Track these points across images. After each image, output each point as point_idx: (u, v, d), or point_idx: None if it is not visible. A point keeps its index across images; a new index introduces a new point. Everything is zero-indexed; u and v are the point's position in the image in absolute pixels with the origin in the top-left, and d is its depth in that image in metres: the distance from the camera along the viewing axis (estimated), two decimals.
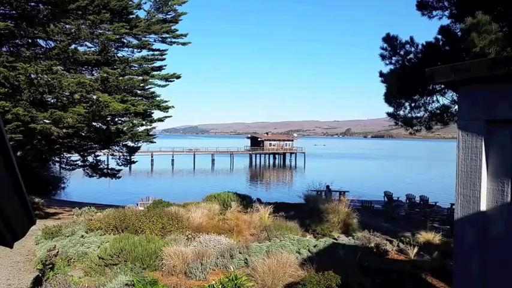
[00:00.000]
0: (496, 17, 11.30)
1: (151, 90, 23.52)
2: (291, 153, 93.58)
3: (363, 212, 18.14)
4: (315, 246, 10.60)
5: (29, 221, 1.07)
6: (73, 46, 17.11)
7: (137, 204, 20.66)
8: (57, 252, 9.85)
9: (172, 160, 76.76)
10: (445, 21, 14.46)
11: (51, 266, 9.01)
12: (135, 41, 21.22)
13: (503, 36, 10.93)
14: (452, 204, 18.85)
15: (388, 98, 15.01)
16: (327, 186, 23.10)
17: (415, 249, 11.03)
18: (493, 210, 3.44)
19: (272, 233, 12.12)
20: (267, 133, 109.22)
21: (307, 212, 15.71)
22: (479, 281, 3.50)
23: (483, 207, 3.47)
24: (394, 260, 10.82)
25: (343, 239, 12.63)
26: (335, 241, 12.07)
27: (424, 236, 12.76)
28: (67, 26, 16.81)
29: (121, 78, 18.63)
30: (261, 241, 11.34)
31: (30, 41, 17.62)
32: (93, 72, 19.93)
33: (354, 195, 21.69)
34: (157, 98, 23.34)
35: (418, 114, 15.28)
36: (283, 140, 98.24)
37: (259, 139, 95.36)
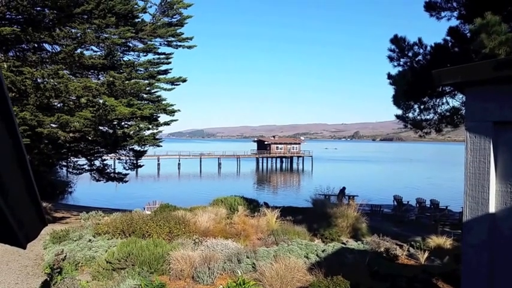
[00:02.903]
0: (505, 18, 11.16)
1: (158, 93, 23.57)
2: (298, 157, 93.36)
3: (372, 217, 17.99)
4: (323, 251, 10.47)
5: (41, 223, 1.10)
6: (79, 50, 17.16)
7: (144, 208, 20.68)
8: (65, 256, 9.83)
9: (179, 164, 76.95)
10: (454, 22, 14.34)
11: (59, 270, 8.98)
12: (140, 45, 21.27)
13: None
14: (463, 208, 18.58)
15: (397, 100, 14.86)
16: (342, 189, 22.83)
17: (426, 254, 10.87)
18: (502, 212, 3.47)
19: (279, 238, 12.01)
20: (273, 136, 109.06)
21: (315, 216, 15.57)
22: (488, 282, 3.49)
23: (492, 209, 3.51)
24: (404, 265, 10.66)
25: (352, 244, 12.49)
26: (344, 246, 11.92)
27: (434, 240, 12.57)
28: (73, 30, 16.86)
29: (127, 82, 18.66)
30: (269, 245, 11.24)
31: (36, 45, 17.70)
32: (100, 76, 19.98)
33: (363, 199, 21.53)
34: (163, 102, 23.35)
35: (428, 117, 15.11)
36: (290, 144, 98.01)
37: (266, 143, 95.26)
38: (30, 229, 1.03)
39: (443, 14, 14.05)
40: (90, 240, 11.91)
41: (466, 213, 3.66)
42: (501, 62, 3.45)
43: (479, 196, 3.52)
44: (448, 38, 14.29)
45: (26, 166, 0.93)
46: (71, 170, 25.22)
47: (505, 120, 3.33)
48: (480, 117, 3.49)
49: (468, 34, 12.76)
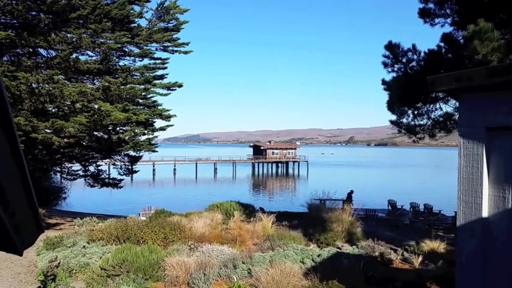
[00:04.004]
0: (498, 25, 11.30)
1: (153, 99, 23.55)
2: (294, 162, 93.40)
3: (367, 221, 18.01)
4: (318, 256, 10.47)
5: (38, 229, 1.09)
6: (74, 55, 17.14)
7: (139, 214, 20.56)
8: (59, 263, 9.75)
9: (174, 169, 76.73)
10: (447, 29, 14.50)
11: (52, 277, 8.91)
12: (136, 50, 21.25)
13: (505, 44, 10.92)
14: (456, 213, 18.67)
15: (391, 106, 14.97)
16: (349, 193, 22.79)
17: (420, 258, 10.92)
18: (495, 216, 3.53)
19: (275, 243, 12.01)
20: (269, 141, 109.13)
21: (311, 221, 15.59)
22: (481, 285, 3.54)
23: (485, 213, 3.55)
24: (399, 269, 10.70)
25: (347, 248, 12.51)
26: (339, 250, 11.94)
27: (428, 244, 12.63)
28: (68, 35, 16.83)
29: (123, 87, 18.62)
30: (264, 251, 11.23)
31: (31, 50, 17.64)
32: (95, 81, 19.93)
33: (358, 203, 21.56)
34: (159, 107, 23.34)
35: (421, 122, 15.24)
36: (286, 149, 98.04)
37: (261, 148, 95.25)
38: (27, 235, 1.03)
39: (437, 20, 14.21)
40: (84, 246, 11.84)
41: (460, 218, 3.69)
42: (493, 69, 3.51)
43: (472, 201, 3.56)
44: (442, 44, 14.44)
45: (25, 172, 0.92)
46: (65, 175, 25.07)
47: (498, 126, 3.37)
48: (473, 123, 3.53)
49: (461, 40, 12.90)
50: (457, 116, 14.66)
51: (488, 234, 3.48)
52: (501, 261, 3.41)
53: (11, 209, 0.90)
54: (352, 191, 23.18)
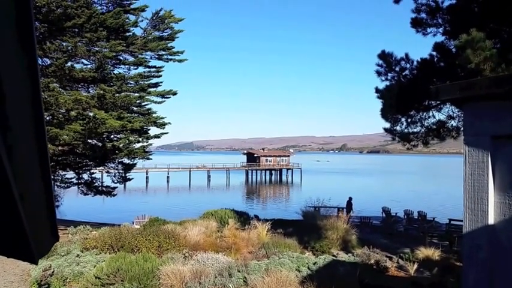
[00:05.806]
0: (489, 34, 11.48)
1: (148, 106, 23.55)
2: (288, 169, 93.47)
3: (362, 228, 18.06)
4: (314, 264, 10.47)
5: (54, 237, 1.07)
6: (69, 63, 17.14)
7: (133, 223, 20.45)
8: (53, 271, 9.69)
9: (168, 177, 76.41)
10: (439, 38, 14.70)
11: (46, 286, 8.86)
12: (131, 58, 21.30)
13: (497, 53, 11.08)
14: (450, 220, 18.82)
15: (385, 114, 15.10)
16: (348, 200, 22.81)
17: (415, 266, 10.97)
18: (501, 223, 3.53)
19: (270, 251, 12.00)
20: (263, 149, 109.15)
21: (306, 228, 15.61)
22: None
23: (491, 220, 3.56)
24: (394, 276, 10.74)
25: (343, 256, 12.53)
26: (334, 258, 11.95)
27: (423, 252, 12.69)
28: (64, 44, 16.86)
29: (117, 95, 18.63)
30: (260, 259, 11.21)
31: None
32: (90, 89, 19.94)
33: (352, 211, 21.66)
34: (153, 115, 23.34)
35: (415, 130, 15.36)
36: (280, 156, 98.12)
37: (255, 155, 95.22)
38: (45, 243, 1.02)
39: (429, 30, 14.42)
40: (78, 255, 11.75)
41: (466, 226, 3.71)
42: (500, 78, 3.57)
43: (479, 208, 3.59)
44: (434, 53, 14.63)
45: (49, 176, 0.91)
46: (58, 183, 24.89)
47: (503, 134, 3.41)
48: (478, 131, 3.58)
49: (453, 49, 13.08)
50: (450, 123, 14.88)
51: (495, 241, 3.50)
52: (508, 268, 3.43)
53: (33, 216, 0.91)
54: (350, 198, 23.26)
